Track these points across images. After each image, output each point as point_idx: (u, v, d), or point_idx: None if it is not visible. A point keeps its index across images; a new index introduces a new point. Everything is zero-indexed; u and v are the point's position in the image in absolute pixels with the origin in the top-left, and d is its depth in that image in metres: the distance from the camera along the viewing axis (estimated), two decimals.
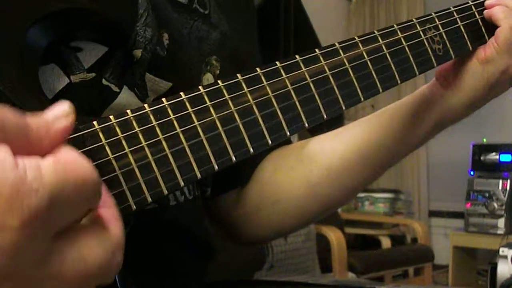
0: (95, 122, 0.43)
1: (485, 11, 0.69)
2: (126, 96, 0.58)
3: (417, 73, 0.63)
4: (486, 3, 0.70)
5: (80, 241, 0.33)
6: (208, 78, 0.67)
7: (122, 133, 0.43)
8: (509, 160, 3.30)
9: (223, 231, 0.78)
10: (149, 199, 0.44)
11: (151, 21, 0.60)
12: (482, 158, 3.37)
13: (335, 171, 0.72)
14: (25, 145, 0.32)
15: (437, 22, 0.66)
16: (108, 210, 0.36)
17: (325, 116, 0.54)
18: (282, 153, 0.74)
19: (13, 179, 0.30)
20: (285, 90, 0.52)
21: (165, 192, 0.45)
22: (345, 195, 0.74)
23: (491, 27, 0.69)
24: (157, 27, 0.61)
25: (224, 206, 0.76)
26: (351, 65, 0.57)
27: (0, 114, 0.31)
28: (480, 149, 3.40)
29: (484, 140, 3.47)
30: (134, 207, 0.43)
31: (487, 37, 0.69)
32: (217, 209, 0.76)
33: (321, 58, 0.55)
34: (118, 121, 0.44)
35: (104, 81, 0.57)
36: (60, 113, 0.34)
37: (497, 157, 3.33)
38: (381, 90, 0.59)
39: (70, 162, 0.32)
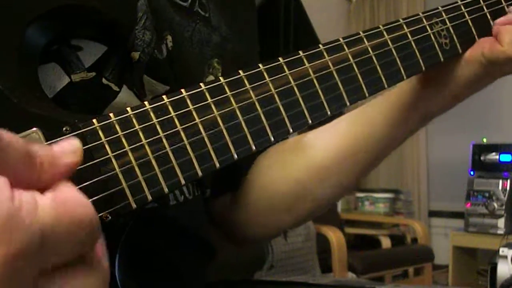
0: (95, 120, 0.43)
1: (494, 27, 0.67)
2: (126, 96, 0.58)
3: (423, 68, 0.62)
4: (497, 21, 0.67)
5: (68, 282, 0.32)
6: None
7: (122, 131, 0.43)
8: (509, 160, 3.30)
9: (221, 231, 0.78)
10: (149, 197, 0.44)
11: (150, 25, 0.60)
12: (482, 158, 3.37)
13: (324, 169, 0.71)
14: (27, 176, 0.31)
15: (444, 16, 0.65)
16: (98, 245, 0.35)
17: (329, 113, 0.53)
18: (275, 150, 0.74)
19: (7, 211, 0.29)
20: (288, 86, 0.52)
21: (166, 190, 0.44)
22: (335, 192, 0.74)
23: None
24: (157, 31, 0.60)
25: (220, 207, 0.76)
26: (355, 60, 0.56)
27: (6, 140, 0.30)
28: (480, 149, 3.40)
29: (484, 140, 3.47)
30: (134, 205, 0.43)
31: None
32: (214, 210, 0.76)
33: (325, 54, 0.54)
34: (118, 119, 0.43)
35: (104, 80, 0.57)
36: (68, 149, 0.34)
37: (497, 157, 3.33)
38: (386, 86, 0.58)
39: (68, 202, 0.32)
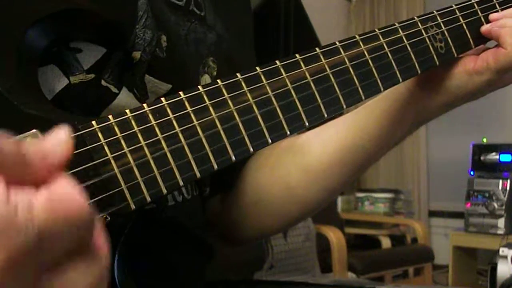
0: (94, 122, 0.43)
1: (492, 30, 0.67)
2: (125, 97, 0.58)
3: (418, 71, 0.62)
4: (491, 16, 0.68)
5: (69, 273, 0.33)
6: (206, 79, 0.67)
7: (121, 133, 0.43)
8: (509, 160, 3.29)
9: (214, 231, 0.78)
10: (148, 199, 0.44)
11: (151, 23, 0.60)
12: (482, 158, 3.37)
13: (312, 173, 0.71)
14: (21, 174, 0.32)
15: (439, 20, 0.65)
16: (98, 236, 0.35)
17: (325, 115, 0.54)
18: (264, 152, 0.74)
19: (3, 215, 0.29)
20: (285, 89, 0.52)
21: (164, 191, 0.45)
22: (324, 196, 0.74)
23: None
24: (156, 30, 0.60)
25: (214, 207, 0.76)
26: (351, 63, 0.57)
27: None
28: (480, 149, 3.39)
29: (484, 140, 3.47)
30: (133, 206, 0.43)
31: None
32: (208, 210, 0.76)
33: (321, 57, 0.55)
34: (117, 121, 0.44)
35: (103, 82, 0.57)
36: (57, 141, 0.34)
37: (497, 157, 3.33)
38: (382, 89, 0.59)
39: (63, 199, 0.32)
